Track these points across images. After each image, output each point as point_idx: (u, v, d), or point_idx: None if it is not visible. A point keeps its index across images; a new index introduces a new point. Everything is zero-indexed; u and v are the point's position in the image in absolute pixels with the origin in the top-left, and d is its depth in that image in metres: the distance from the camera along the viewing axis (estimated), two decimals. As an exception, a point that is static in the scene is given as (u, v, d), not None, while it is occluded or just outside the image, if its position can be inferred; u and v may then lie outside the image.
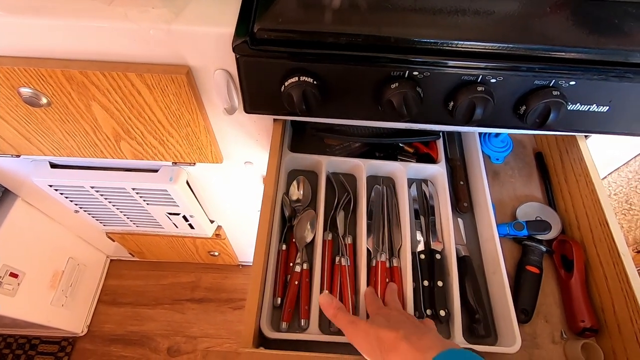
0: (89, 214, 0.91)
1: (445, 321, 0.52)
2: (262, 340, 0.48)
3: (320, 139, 0.67)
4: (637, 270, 0.52)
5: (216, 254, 1.19)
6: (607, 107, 0.45)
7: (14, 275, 0.91)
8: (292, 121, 0.64)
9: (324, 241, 0.55)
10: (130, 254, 1.27)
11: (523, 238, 0.60)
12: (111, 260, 1.37)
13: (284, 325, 0.50)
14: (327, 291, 0.49)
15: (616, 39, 0.42)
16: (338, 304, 0.46)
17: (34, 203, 0.94)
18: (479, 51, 0.41)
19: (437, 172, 0.62)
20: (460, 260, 0.56)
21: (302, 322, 0.50)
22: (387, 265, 0.54)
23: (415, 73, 0.42)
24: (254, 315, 0.43)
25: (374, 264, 0.54)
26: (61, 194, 0.80)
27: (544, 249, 0.58)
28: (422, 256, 0.56)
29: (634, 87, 0.43)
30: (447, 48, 0.41)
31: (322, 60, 0.41)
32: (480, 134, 0.69)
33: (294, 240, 0.56)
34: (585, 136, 0.61)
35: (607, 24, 0.43)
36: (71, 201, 0.84)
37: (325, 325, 0.51)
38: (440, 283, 0.54)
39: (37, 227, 0.98)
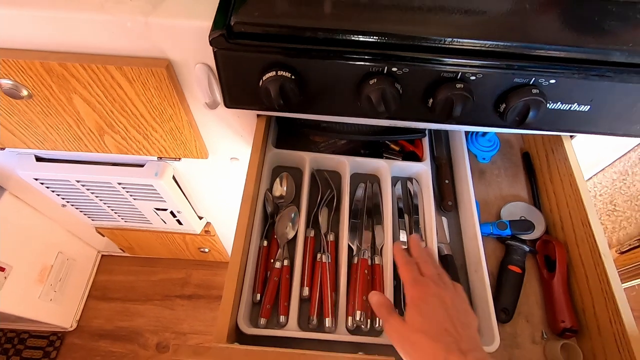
0: (77, 208, 0.91)
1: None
2: (240, 337, 0.47)
3: (306, 136, 0.67)
4: (620, 271, 0.52)
5: (206, 250, 1.19)
6: (588, 107, 0.45)
7: (0, 269, 0.90)
8: (277, 118, 0.64)
9: (306, 238, 0.55)
10: (120, 249, 1.26)
11: (507, 237, 0.60)
12: (102, 255, 1.37)
13: (262, 321, 0.50)
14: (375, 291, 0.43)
15: (597, 37, 0.42)
16: (382, 301, 0.41)
17: (22, 196, 0.94)
18: (458, 48, 0.41)
19: (422, 170, 0.62)
20: (443, 258, 0.56)
21: (281, 318, 0.50)
22: (369, 262, 0.54)
23: (394, 69, 0.41)
24: (229, 311, 0.43)
25: (355, 262, 0.54)
26: (47, 187, 0.80)
27: (527, 248, 0.58)
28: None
29: (614, 87, 0.42)
30: (426, 44, 0.41)
31: (299, 55, 0.41)
32: (467, 133, 0.69)
33: (275, 236, 0.55)
34: (571, 136, 0.61)
35: (588, 22, 0.42)
36: (58, 195, 0.84)
37: (305, 322, 0.50)
38: (421, 281, 0.54)
39: (25, 221, 0.98)
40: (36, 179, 0.77)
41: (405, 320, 0.37)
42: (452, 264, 0.56)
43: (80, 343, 1.22)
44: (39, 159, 0.75)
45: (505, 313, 0.54)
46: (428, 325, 0.36)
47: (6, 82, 0.51)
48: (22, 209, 0.96)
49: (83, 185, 0.79)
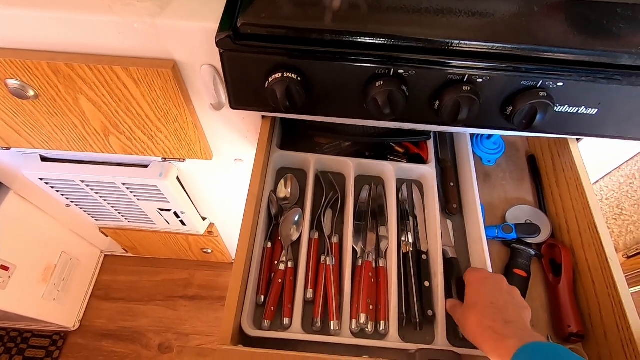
0: (81, 208, 0.91)
1: (431, 322, 0.52)
2: (243, 338, 0.47)
3: (311, 138, 0.67)
4: (627, 276, 0.52)
5: (209, 251, 1.19)
6: (596, 110, 0.44)
7: (4, 268, 0.91)
8: (282, 119, 0.64)
9: (310, 240, 0.55)
10: (123, 249, 1.27)
11: (512, 241, 0.59)
12: (105, 255, 1.37)
13: (266, 323, 0.49)
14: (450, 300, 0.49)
15: (605, 40, 0.41)
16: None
17: (27, 196, 0.94)
18: (465, 50, 0.41)
19: (427, 172, 0.62)
20: (448, 262, 0.56)
21: (285, 320, 0.50)
22: (373, 265, 0.54)
23: (401, 71, 0.41)
24: (233, 312, 0.43)
25: (359, 264, 0.54)
26: (52, 187, 0.80)
27: (532, 252, 0.58)
28: (409, 257, 0.56)
29: (622, 90, 0.42)
30: (433, 47, 0.40)
31: (306, 57, 0.41)
32: (472, 135, 0.68)
33: (279, 238, 0.55)
34: (577, 139, 0.60)
35: (596, 25, 0.42)
36: (62, 195, 0.84)
37: (308, 324, 0.50)
38: (427, 284, 0.54)
39: (29, 221, 0.98)
40: (41, 179, 0.77)
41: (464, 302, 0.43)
42: (457, 267, 0.56)
43: (83, 343, 1.23)
44: (44, 158, 0.75)
45: (510, 317, 0.53)
46: (477, 298, 0.41)
47: (13, 83, 0.51)
48: (27, 208, 0.96)
49: (87, 186, 0.79)
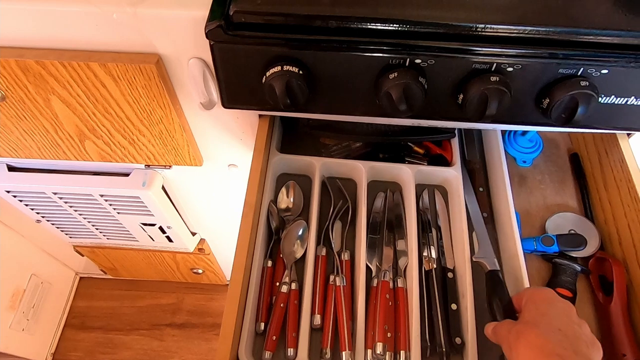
0: (53, 224, 0.93)
1: (459, 351, 0.51)
2: (241, 373, 0.48)
3: (315, 138, 0.68)
4: (692, 294, 0.51)
5: (200, 271, 1.20)
6: (648, 100, 0.45)
7: (-33, 294, 0.93)
8: (282, 118, 0.65)
9: (316, 257, 0.56)
10: (101, 270, 1.28)
11: (553, 255, 0.59)
12: (80, 277, 1.39)
13: (267, 355, 0.50)
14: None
15: (656, 19, 0.42)
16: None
17: (-9, 211, 0.96)
18: (492, 35, 0.41)
19: (452, 176, 0.62)
20: (489, 276, 0.54)
21: (289, 351, 0.50)
22: (391, 285, 0.54)
23: (418, 61, 0.42)
24: (229, 342, 0.44)
25: (374, 284, 0.54)
26: (20, 201, 0.82)
27: (578, 268, 0.58)
28: (433, 275, 0.56)
29: (678, 76, 0.42)
30: (455, 32, 0.41)
31: (308, 47, 0.42)
32: (503, 132, 0.69)
33: (281, 255, 0.56)
34: (628, 134, 0.60)
35: (645, 2, 0.42)
36: (32, 209, 0.86)
37: (316, 355, 0.51)
38: (454, 306, 0.54)
39: (-6, 239, 1.00)
40: (8, 192, 0.79)
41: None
42: (501, 283, 0.53)
43: (56, 380, 1.24)
44: (11, 168, 0.77)
45: (553, 345, 0.53)
46: (541, 320, 0.37)
47: (-23, 83, 0.53)
48: (-9, 225, 0.98)
49: (61, 198, 0.80)
